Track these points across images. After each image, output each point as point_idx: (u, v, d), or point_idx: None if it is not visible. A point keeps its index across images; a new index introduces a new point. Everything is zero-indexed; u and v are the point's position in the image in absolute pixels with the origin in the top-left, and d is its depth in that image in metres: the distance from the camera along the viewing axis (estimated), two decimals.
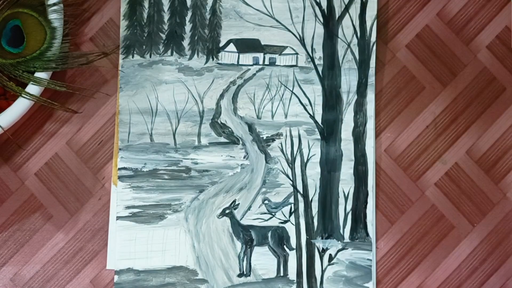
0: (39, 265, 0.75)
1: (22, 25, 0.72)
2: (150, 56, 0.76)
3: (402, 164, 0.76)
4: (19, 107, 0.70)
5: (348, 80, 0.76)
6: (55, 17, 0.72)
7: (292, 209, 0.75)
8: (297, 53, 0.76)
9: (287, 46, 0.76)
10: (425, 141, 0.76)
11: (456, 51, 0.77)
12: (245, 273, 0.74)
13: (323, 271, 0.74)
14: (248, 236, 0.74)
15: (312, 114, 0.76)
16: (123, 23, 0.76)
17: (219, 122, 0.76)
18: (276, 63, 0.76)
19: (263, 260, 0.74)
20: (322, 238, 0.74)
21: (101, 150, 0.76)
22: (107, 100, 0.77)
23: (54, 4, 0.71)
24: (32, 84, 0.71)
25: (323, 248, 0.74)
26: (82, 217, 0.76)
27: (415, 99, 0.77)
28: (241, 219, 0.75)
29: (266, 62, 0.76)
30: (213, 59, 0.77)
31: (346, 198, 0.75)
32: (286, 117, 0.76)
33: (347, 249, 0.74)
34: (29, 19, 0.72)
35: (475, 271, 0.75)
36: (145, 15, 0.77)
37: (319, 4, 0.77)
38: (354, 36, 0.76)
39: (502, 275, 0.75)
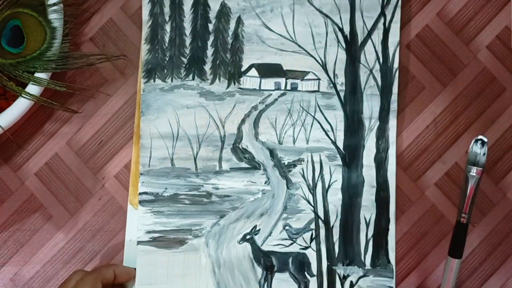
0: (39, 265, 0.75)
1: (22, 25, 0.72)
2: (172, 81, 0.76)
3: (402, 164, 0.76)
4: (19, 107, 0.70)
5: (370, 106, 0.75)
6: (55, 17, 0.72)
7: (313, 235, 0.74)
8: (319, 79, 0.76)
9: (309, 71, 0.76)
10: (425, 141, 0.76)
11: (456, 51, 0.77)
12: None
13: None
14: (269, 262, 0.74)
15: (333, 139, 0.75)
16: (145, 47, 0.76)
17: (241, 147, 0.75)
18: (298, 89, 0.76)
19: (284, 287, 0.74)
20: (343, 265, 0.74)
21: (101, 150, 0.76)
22: (107, 100, 0.76)
23: (54, 4, 0.71)
24: (32, 84, 0.71)
25: (344, 275, 0.74)
26: (82, 217, 0.76)
27: (415, 99, 0.77)
28: (262, 245, 0.74)
29: (288, 87, 0.76)
30: (234, 84, 0.76)
31: (367, 225, 0.74)
32: (307, 142, 0.75)
33: (368, 276, 0.74)
34: (29, 19, 0.71)
35: (475, 271, 0.75)
36: (167, 39, 0.76)
37: (341, 30, 0.76)
38: (377, 62, 0.76)
39: (502, 275, 0.75)
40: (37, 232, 0.75)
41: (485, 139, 0.66)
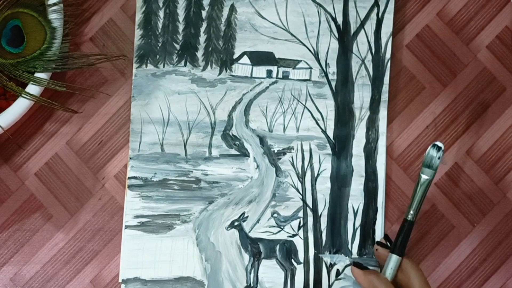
0: (39, 265, 0.75)
1: (22, 25, 0.72)
2: (164, 66, 0.76)
3: (402, 164, 0.76)
4: (19, 107, 0.70)
5: (361, 96, 0.76)
6: (55, 17, 0.72)
7: (301, 223, 0.75)
8: (311, 68, 0.76)
9: (301, 60, 0.76)
10: (425, 141, 0.76)
11: (456, 51, 0.77)
12: (252, 285, 0.74)
13: (330, 286, 0.74)
14: (256, 249, 0.74)
15: (324, 129, 0.76)
16: (138, 32, 0.76)
17: (231, 134, 0.76)
18: (289, 77, 0.76)
19: (271, 273, 0.74)
20: (330, 253, 0.74)
21: (101, 150, 0.76)
22: (107, 100, 0.77)
23: (54, 4, 0.71)
24: (32, 84, 0.71)
25: (330, 263, 0.74)
26: (82, 217, 0.76)
27: (415, 99, 0.77)
28: (249, 232, 0.75)
29: (280, 75, 0.76)
30: (226, 71, 0.76)
31: (355, 214, 0.75)
32: (297, 131, 0.76)
33: None
34: (29, 19, 0.72)
35: (475, 271, 0.75)
36: (160, 25, 0.77)
37: (334, 20, 0.76)
38: (369, 52, 0.76)
39: (502, 275, 0.75)
40: (37, 232, 0.75)
41: (441, 145, 0.68)
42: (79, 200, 0.76)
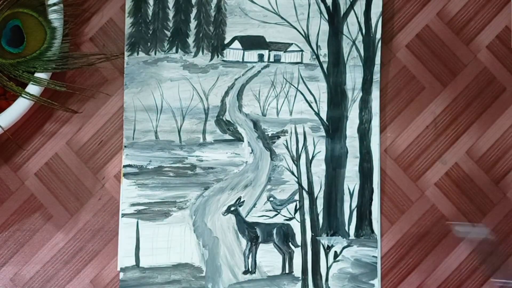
0: (39, 265, 0.75)
1: (22, 25, 0.72)
2: (155, 54, 0.76)
3: (402, 164, 0.76)
4: (19, 107, 0.70)
5: (353, 77, 0.76)
6: (55, 17, 0.72)
7: (297, 206, 0.75)
8: (302, 50, 0.76)
9: (292, 43, 0.76)
10: (425, 141, 0.76)
11: (456, 51, 0.77)
12: (250, 270, 0.74)
13: (328, 268, 0.74)
14: (253, 233, 0.75)
15: (317, 111, 0.76)
16: (128, 20, 0.76)
17: (224, 119, 0.76)
18: (281, 60, 0.76)
19: (269, 257, 0.74)
20: (327, 235, 0.75)
21: (101, 150, 0.76)
22: (107, 100, 0.77)
23: (54, 4, 0.71)
24: (32, 84, 0.71)
25: (328, 245, 0.74)
26: (82, 217, 0.76)
27: (415, 99, 0.77)
28: (246, 216, 0.75)
29: (271, 59, 0.76)
30: (218, 56, 0.76)
31: (351, 195, 0.75)
32: (291, 114, 0.76)
33: (352, 246, 0.74)
34: (29, 19, 0.72)
35: (475, 271, 0.75)
36: (150, 12, 0.77)
37: (324, 1, 0.76)
38: (359, 33, 0.76)
39: (502, 275, 0.75)
40: (37, 232, 0.75)
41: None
42: (79, 200, 0.76)
